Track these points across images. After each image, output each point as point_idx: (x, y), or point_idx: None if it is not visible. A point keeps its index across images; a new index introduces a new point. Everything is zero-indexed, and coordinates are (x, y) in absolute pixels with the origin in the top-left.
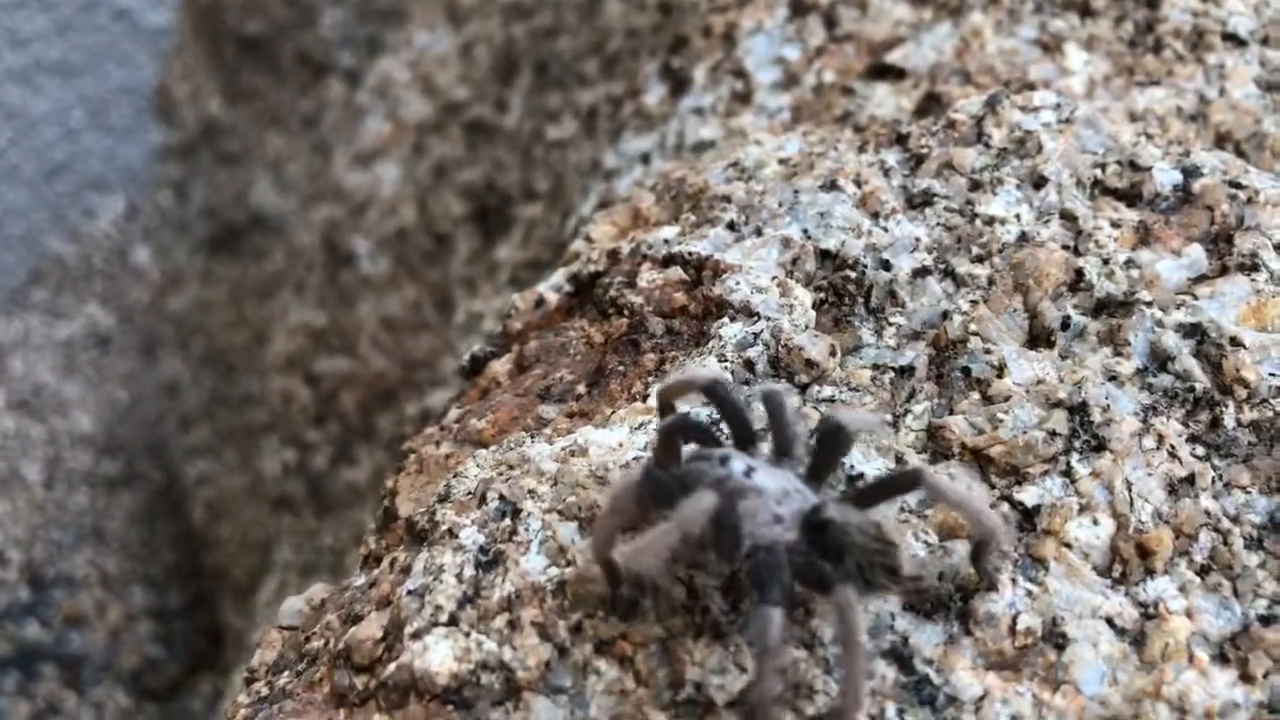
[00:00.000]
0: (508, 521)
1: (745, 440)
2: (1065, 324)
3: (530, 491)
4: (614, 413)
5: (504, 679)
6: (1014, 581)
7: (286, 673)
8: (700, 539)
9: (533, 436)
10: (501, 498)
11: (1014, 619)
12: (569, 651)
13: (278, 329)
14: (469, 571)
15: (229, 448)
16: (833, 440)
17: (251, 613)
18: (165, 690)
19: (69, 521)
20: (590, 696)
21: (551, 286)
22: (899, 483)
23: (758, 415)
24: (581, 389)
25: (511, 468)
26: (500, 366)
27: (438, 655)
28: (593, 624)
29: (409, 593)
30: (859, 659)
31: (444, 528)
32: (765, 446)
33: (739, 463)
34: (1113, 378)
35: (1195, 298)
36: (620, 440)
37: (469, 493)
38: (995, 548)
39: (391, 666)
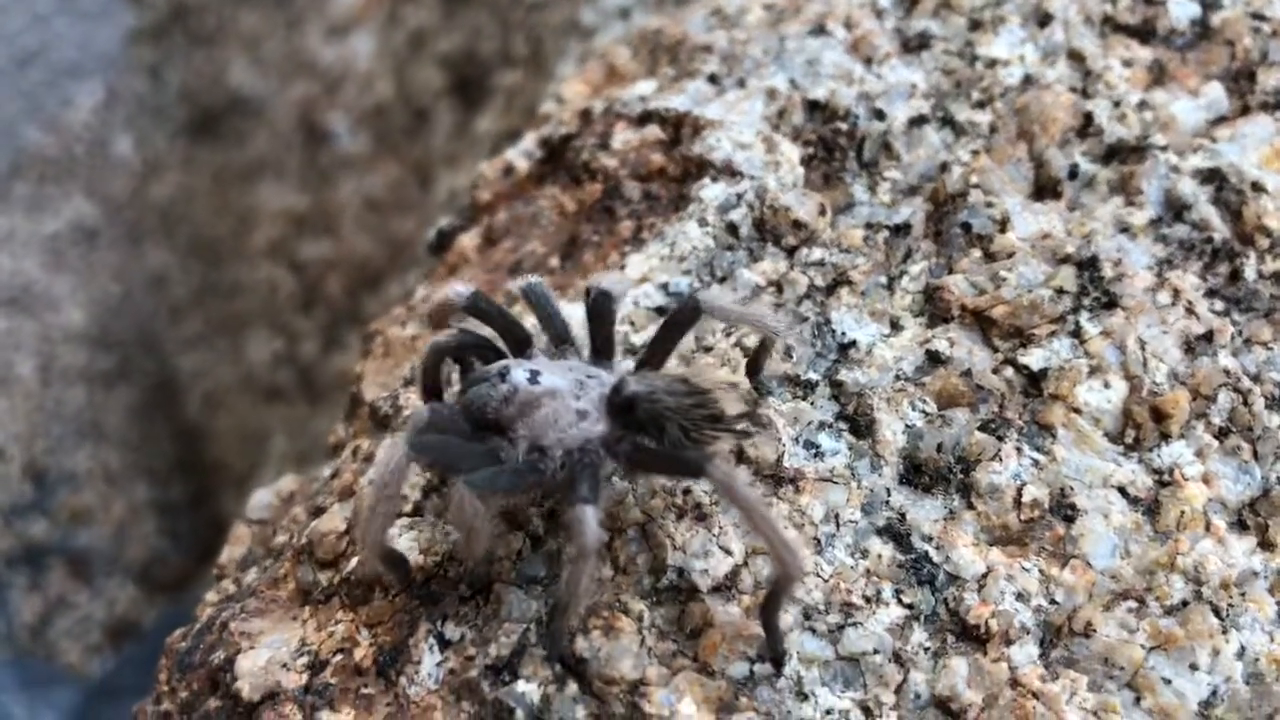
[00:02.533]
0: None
1: (522, 344)
2: (1073, 172)
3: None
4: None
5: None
6: (1019, 450)
7: (254, 569)
8: (510, 492)
9: None
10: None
11: (1019, 491)
12: (542, 540)
13: (261, 215)
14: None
15: (221, 338)
16: (600, 309)
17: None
18: (174, 582)
19: (67, 418)
20: (564, 584)
21: (521, 153)
22: (681, 317)
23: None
24: (554, 261)
25: (479, 346)
26: (468, 241)
27: (401, 547)
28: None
29: (370, 482)
30: (765, 519)
31: (407, 413)
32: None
33: (519, 371)
34: (1125, 229)
35: (1214, 141)
36: None
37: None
38: (772, 348)
39: (354, 561)
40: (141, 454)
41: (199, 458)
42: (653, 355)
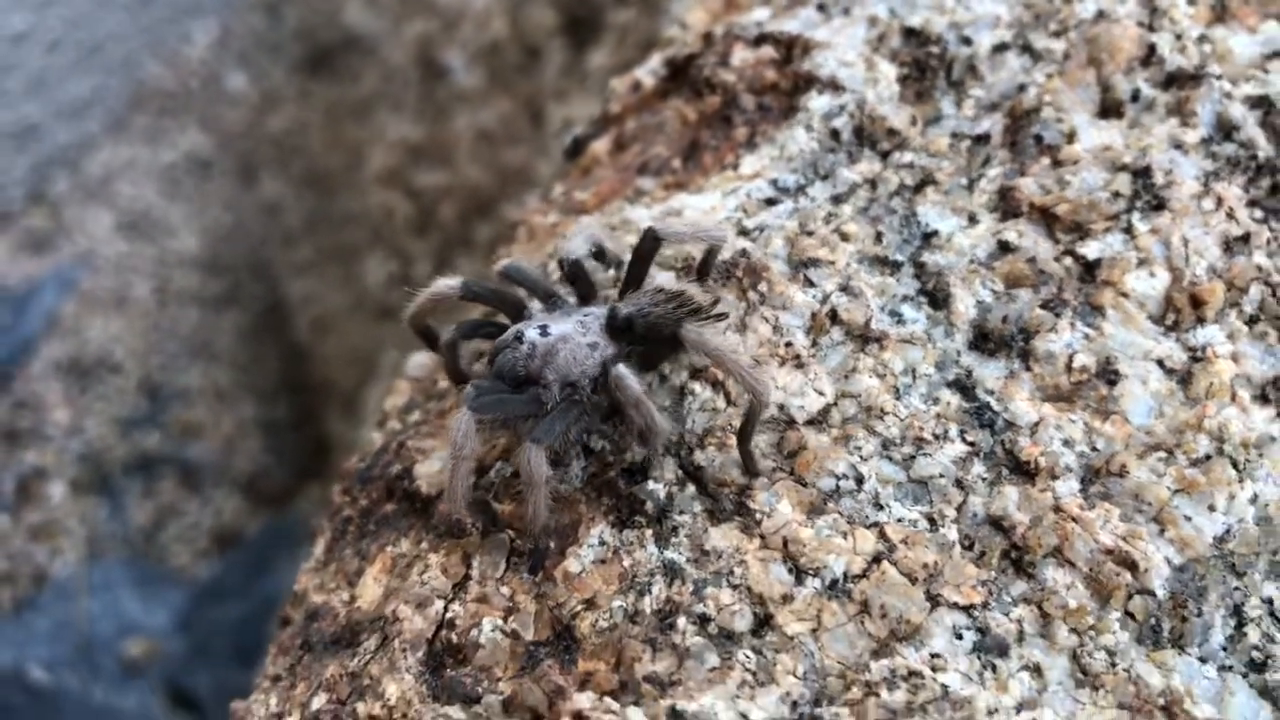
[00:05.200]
0: (612, 272)
1: (518, 310)
2: (1135, 96)
3: (632, 246)
4: (707, 181)
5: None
6: (1072, 325)
7: (417, 411)
8: (563, 437)
9: (632, 203)
10: (605, 251)
11: (1071, 357)
12: (667, 378)
13: (376, 146)
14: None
15: (331, 265)
16: (573, 273)
17: (357, 422)
18: (277, 496)
19: (181, 338)
20: (688, 413)
21: (648, 71)
22: (644, 246)
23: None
24: (677, 163)
25: (614, 229)
26: (600, 146)
27: None
28: (687, 354)
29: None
30: (733, 360)
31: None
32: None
33: (531, 330)
34: (1178, 145)
35: (1266, 72)
36: (713, 204)
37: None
38: (718, 253)
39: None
40: (249, 374)
41: (305, 379)
42: (629, 283)
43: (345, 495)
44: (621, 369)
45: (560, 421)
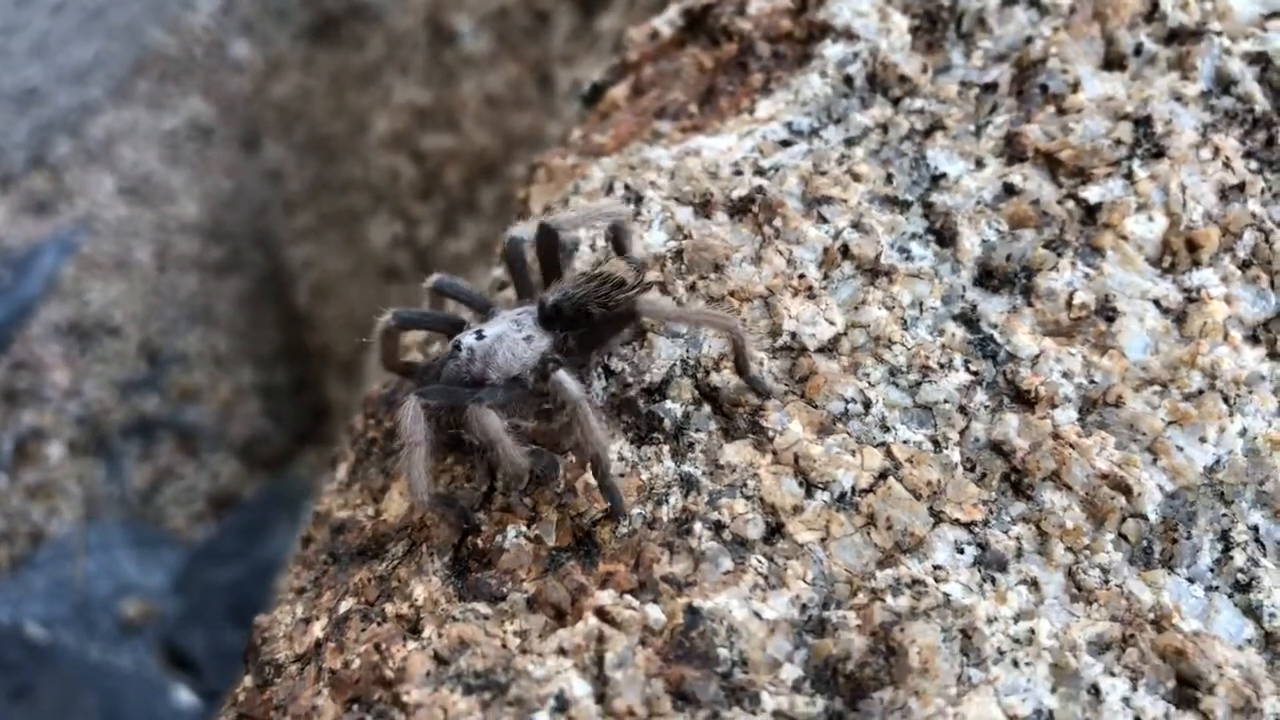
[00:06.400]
0: (632, 206)
1: (455, 328)
2: (1138, 50)
3: (651, 183)
4: (723, 125)
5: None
6: (1073, 265)
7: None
8: (507, 405)
9: (651, 144)
10: (627, 187)
11: (1071, 295)
12: (684, 303)
13: (380, 111)
14: (600, 242)
15: (332, 231)
16: (513, 261)
17: (357, 387)
18: (274, 460)
19: (180, 302)
20: (701, 339)
21: (665, 20)
22: (546, 241)
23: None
24: (693, 108)
25: (633, 168)
26: (618, 92)
27: None
28: (705, 284)
29: (583, 204)
30: (695, 316)
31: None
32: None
33: (468, 337)
34: (1178, 98)
35: (1265, 30)
36: (730, 145)
37: (598, 188)
38: (627, 226)
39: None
40: (248, 339)
41: (303, 345)
42: (548, 278)
43: (369, 420)
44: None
45: (504, 396)
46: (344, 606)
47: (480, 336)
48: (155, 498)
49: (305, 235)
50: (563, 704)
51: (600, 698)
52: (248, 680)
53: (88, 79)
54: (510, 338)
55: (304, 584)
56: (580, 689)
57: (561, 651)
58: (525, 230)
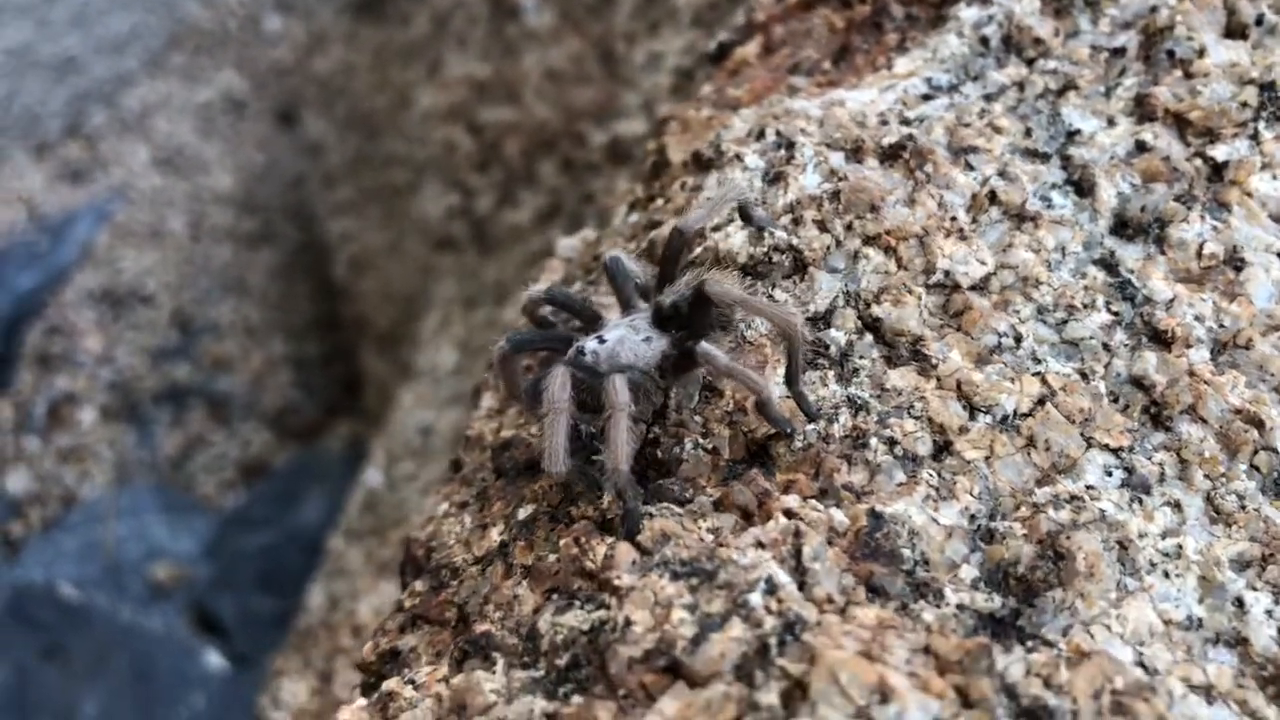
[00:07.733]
0: (784, 151)
1: (591, 320)
2: (1259, 20)
3: (801, 129)
4: (860, 80)
5: (792, 258)
6: (1202, 217)
7: (579, 283)
8: (642, 399)
9: (790, 96)
10: (778, 134)
11: (1201, 245)
12: (843, 243)
13: (426, 86)
14: (757, 183)
15: (372, 205)
16: (615, 276)
17: (395, 359)
18: (304, 430)
19: (214, 273)
20: (861, 275)
21: None
22: (674, 244)
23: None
24: (828, 65)
25: (777, 117)
26: (749, 50)
27: (737, 241)
28: (861, 223)
29: (707, 198)
30: (758, 303)
31: (730, 154)
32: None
33: (590, 342)
34: None
35: None
36: (872, 98)
37: (745, 134)
38: (752, 206)
39: (699, 249)
40: (281, 310)
41: (338, 317)
42: (663, 280)
43: None
44: (704, 345)
45: (639, 378)
46: (522, 513)
47: (602, 341)
48: (186, 464)
49: (344, 209)
50: (772, 588)
51: (800, 585)
52: (418, 584)
53: (125, 50)
54: (630, 340)
55: (466, 499)
56: (783, 577)
57: (759, 545)
58: (620, 251)
